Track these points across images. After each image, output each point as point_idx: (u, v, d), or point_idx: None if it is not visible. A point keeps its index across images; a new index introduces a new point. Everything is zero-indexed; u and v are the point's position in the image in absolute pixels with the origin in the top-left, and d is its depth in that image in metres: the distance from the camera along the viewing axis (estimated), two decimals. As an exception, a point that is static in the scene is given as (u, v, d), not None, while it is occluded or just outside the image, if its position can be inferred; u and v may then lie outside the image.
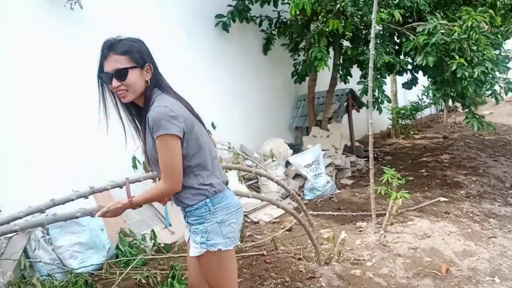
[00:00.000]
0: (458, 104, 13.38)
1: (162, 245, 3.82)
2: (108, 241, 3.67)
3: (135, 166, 3.77)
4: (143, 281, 3.20)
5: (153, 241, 3.73)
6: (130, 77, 1.69)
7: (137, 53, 1.71)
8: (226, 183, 1.93)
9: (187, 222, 1.89)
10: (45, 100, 3.79)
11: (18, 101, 3.59)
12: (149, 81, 1.74)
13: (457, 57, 4.98)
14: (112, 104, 1.83)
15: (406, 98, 12.24)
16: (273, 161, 5.49)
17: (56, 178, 3.73)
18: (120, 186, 2.50)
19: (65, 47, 3.98)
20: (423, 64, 5.20)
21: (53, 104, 3.84)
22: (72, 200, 2.26)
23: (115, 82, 1.69)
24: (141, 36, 1.82)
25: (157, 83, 1.78)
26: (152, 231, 3.77)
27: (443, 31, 5.01)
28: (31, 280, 3.07)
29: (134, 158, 3.74)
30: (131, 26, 4.46)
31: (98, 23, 4.16)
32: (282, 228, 4.37)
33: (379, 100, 5.65)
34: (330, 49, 6.34)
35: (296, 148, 6.58)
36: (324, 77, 6.95)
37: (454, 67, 4.98)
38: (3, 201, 2.86)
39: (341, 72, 6.71)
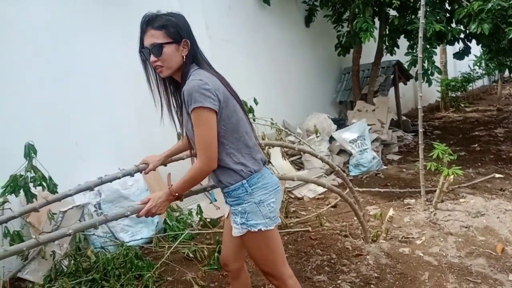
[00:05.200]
0: (513, 74, 12.60)
1: (208, 220, 3.88)
2: (156, 215, 3.78)
3: (180, 142, 3.81)
4: (191, 255, 3.29)
5: (199, 216, 3.79)
6: (165, 53, 1.67)
7: (173, 28, 1.67)
8: (264, 163, 1.86)
9: (226, 202, 1.87)
10: (94, 80, 3.88)
11: (68, 82, 3.68)
12: (185, 57, 1.70)
13: (515, 23, 4.65)
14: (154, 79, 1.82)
15: (456, 69, 11.68)
16: (317, 136, 5.40)
17: (104, 156, 3.86)
18: (165, 164, 2.53)
19: (109, 28, 4.02)
20: (477, 32, 4.90)
21: (101, 84, 3.92)
22: (119, 178, 2.29)
23: (152, 57, 1.68)
24: (181, 10, 1.78)
25: (194, 59, 1.73)
26: (198, 206, 3.84)
27: (500, -5, 4.67)
28: (86, 252, 3.22)
29: (179, 135, 3.78)
30: None
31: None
32: (327, 205, 4.33)
33: (429, 72, 5.40)
34: (376, 19, 6.07)
35: (340, 123, 6.46)
36: (369, 48, 6.69)
37: (511, 35, 4.64)
38: (59, 180, 2.98)
39: (387, 43, 6.45)
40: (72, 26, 3.74)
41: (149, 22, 1.67)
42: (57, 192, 2.76)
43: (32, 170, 2.57)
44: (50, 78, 3.55)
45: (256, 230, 1.76)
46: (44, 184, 2.75)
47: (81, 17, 3.82)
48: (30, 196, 2.74)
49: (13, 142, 2.96)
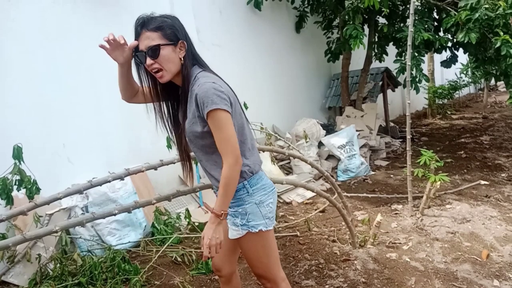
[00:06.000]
0: (499, 83, 12.83)
1: (196, 224, 3.86)
2: (144, 219, 3.76)
3: (169, 146, 3.79)
4: (179, 259, 3.27)
5: (187, 220, 3.78)
6: (162, 54, 1.61)
7: (169, 29, 1.63)
8: (260, 164, 1.88)
9: None
10: (83, 82, 3.84)
11: (56, 84, 3.64)
12: (182, 59, 1.66)
13: (501, 33, 4.76)
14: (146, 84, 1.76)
15: (443, 76, 11.85)
16: (306, 142, 5.43)
17: (92, 159, 3.82)
18: (155, 168, 2.51)
19: (98, 29, 4.00)
20: (465, 41, 4.98)
21: (89, 86, 3.89)
22: (109, 181, 2.28)
23: (148, 60, 1.62)
24: (171, 13, 1.75)
25: (194, 60, 1.71)
26: (187, 210, 3.82)
27: (487, 5, 4.76)
28: (72, 256, 3.18)
29: (168, 138, 3.76)
30: (162, 2, 4.46)
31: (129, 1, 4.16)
32: (315, 209, 4.34)
33: (417, 79, 5.46)
34: (365, 27, 6.14)
35: (329, 128, 6.49)
36: (358, 55, 6.77)
37: (498, 44, 4.75)
38: (45, 182, 2.94)
39: (376, 50, 6.53)
40: (61, 27, 3.70)
41: (144, 24, 1.62)
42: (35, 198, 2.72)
43: (18, 173, 2.53)
44: (38, 79, 3.52)
45: (257, 230, 1.75)
46: (28, 187, 2.69)
47: (71, 18, 3.78)
48: (10, 200, 2.67)
49: None
